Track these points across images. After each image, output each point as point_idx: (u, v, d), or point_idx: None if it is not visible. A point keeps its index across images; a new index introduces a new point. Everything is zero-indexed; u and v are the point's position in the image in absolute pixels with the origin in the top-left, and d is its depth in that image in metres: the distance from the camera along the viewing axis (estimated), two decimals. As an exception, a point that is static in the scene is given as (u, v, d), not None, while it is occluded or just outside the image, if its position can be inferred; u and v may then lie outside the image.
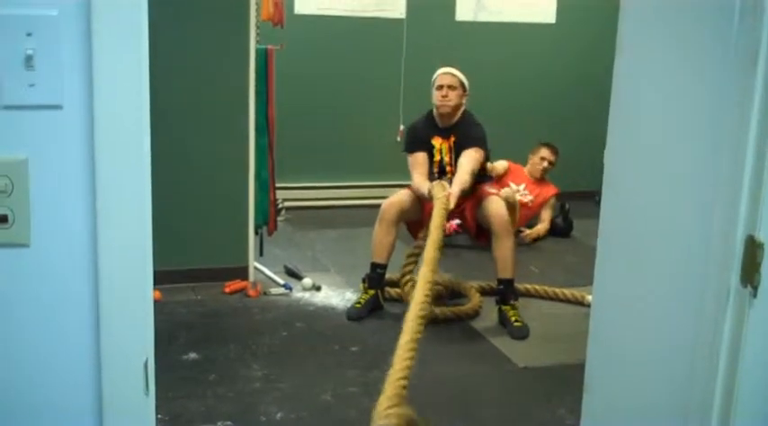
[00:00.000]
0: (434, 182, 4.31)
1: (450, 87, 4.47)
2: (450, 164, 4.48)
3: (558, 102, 7.01)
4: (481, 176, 4.55)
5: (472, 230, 4.75)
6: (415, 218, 4.56)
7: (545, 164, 6.21)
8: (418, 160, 4.50)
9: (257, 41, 4.63)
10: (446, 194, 4.12)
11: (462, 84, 4.52)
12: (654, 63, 1.86)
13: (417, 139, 4.56)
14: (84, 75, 1.28)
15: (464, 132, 4.49)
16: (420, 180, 4.42)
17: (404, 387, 2.69)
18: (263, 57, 4.67)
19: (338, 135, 6.61)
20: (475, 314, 4.43)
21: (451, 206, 4.13)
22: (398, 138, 6.55)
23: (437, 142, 4.50)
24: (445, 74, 4.52)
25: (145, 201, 1.37)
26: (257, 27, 4.64)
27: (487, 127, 4.57)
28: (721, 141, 1.59)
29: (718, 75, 1.61)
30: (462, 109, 4.55)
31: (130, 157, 1.33)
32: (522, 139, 6.78)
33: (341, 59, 6.51)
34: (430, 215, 4.08)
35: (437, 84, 4.51)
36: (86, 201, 1.32)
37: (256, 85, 4.61)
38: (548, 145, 6.29)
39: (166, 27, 4.13)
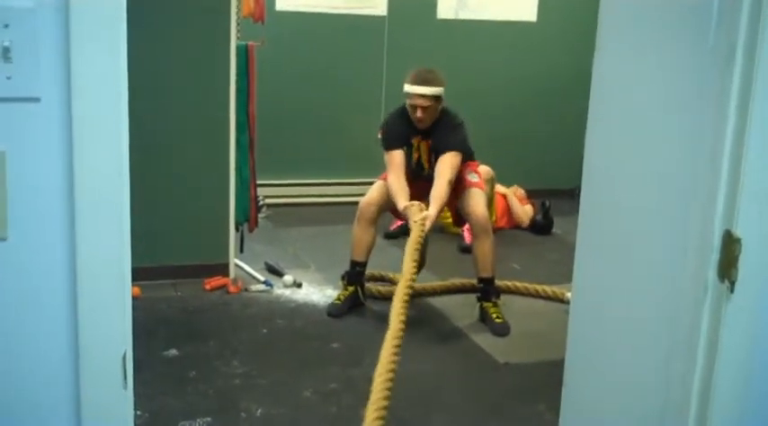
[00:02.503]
0: (411, 204, 4.17)
1: (424, 108, 4.29)
2: (429, 162, 4.44)
3: (540, 99, 7.04)
4: (463, 158, 4.39)
5: (452, 217, 4.75)
6: (395, 207, 4.53)
7: None
8: (395, 159, 4.35)
9: (238, 38, 4.62)
10: (423, 217, 4.04)
11: (436, 97, 4.31)
12: (633, 61, 1.88)
13: (395, 136, 4.42)
14: (62, 68, 1.27)
15: (441, 135, 4.36)
16: (396, 185, 4.27)
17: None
18: (244, 53, 4.64)
19: (319, 132, 6.60)
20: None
21: (427, 228, 4.05)
22: (379, 136, 6.55)
23: (416, 141, 4.44)
24: (416, 95, 4.27)
25: (123, 195, 1.37)
26: (238, 23, 4.62)
27: (467, 125, 4.45)
28: (699, 138, 1.61)
29: (696, 73, 1.63)
30: (438, 112, 4.38)
31: (109, 151, 1.33)
32: (503, 137, 6.81)
33: (322, 56, 6.50)
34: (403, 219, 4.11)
35: (409, 101, 4.33)
36: (64, 195, 1.31)
37: (237, 82, 4.59)
38: None
39: (146, 22, 4.11)
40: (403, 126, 4.44)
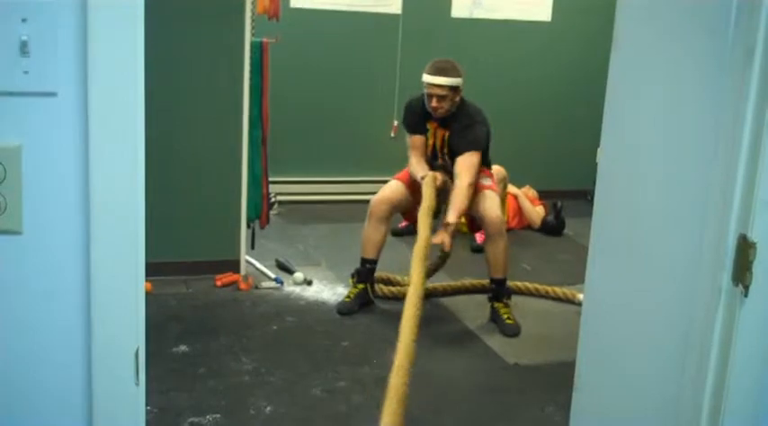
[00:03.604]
0: (428, 174, 4.26)
1: (440, 97, 4.30)
2: (443, 153, 4.44)
3: (553, 99, 7.02)
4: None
5: (467, 224, 4.74)
6: (407, 209, 4.53)
7: None
8: (416, 143, 4.48)
9: (252, 34, 4.62)
10: (440, 239, 4.07)
11: (453, 88, 4.31)
12: (649, 61, 1.87)
13: (413, 121, 4.49)
14: (80, 63, 1.27)
15: (459, 130, 4.35)
16: (416, 163, 4.41)
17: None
18: (258, 50, 4.65)
19: (332, 129, 6.60)
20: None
21: (447, 247, 4.12)
22: (392, 134, 6.55)
23: (432, 126, 4.44)
24: (433, 85, 4.30)
25: (138, 191, 1.37)
26: (252, 20, 4.62)
27: (489, 124, 4.45)
28: (715, 140, 1.60)
29: (714, 74, 1.62)
30: (456, 104, 4.37)
31: (124, 146, 1.33)
32: (516, 137, 6.80)
33: (336, 54, 6.50)
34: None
35: (426, 91, 4.35)
36: (79, 190, 1.31)
37: (251, 78, 4.60)
38: None
39: (162, 19, 4.11)
40: (419, 111, 4.47)
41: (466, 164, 4.25)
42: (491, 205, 4.32)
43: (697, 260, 1.65)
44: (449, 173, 4.34)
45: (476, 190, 4.35)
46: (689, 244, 1.69)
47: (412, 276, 3.54)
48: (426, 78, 4.34)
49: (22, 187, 1.29)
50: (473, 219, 4.54)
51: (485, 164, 4.49)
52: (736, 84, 1.53)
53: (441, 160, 4.45)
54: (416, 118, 4.48)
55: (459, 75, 4.34)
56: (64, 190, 1.31)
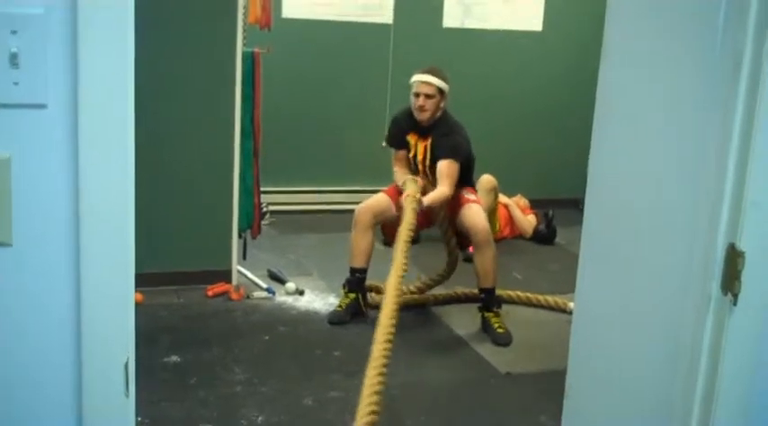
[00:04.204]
0: (408, 178, 4.36)
1: (427, 96, 4.36)
2: (424, 164, 4.47)
3: (544, 109, 7.04)
4: (461, 181, 4.46)
5: (458, 242, 4.76)
6: (389, 221, 4.53)
7: None
8: (399, 156, 4.60)
9: (244, 44, 4.63)
10: (412, 194, 4.16)
11: (440, 90, 4.39)
12: (638, 71, 1.88)
13: (395, 135, 4.61)
14: (70, 75, 1.28)
15: (439, 139, 4.41)
16: (399, 173, 4.53)
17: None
18: (250, 60, 4.65)
19: (324, 139, 6.61)
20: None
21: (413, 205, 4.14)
22: (384, 144, 6.54)
23: (413, 139, 4.50)
24: (422, 82, 4.38)
25: (128, 203, 1.37)
26: (244, 30, 4.63)
27: (471, 134, 4.50)
28: (704, 150, 1.60)
29: (702, 83, 1.63)
30: (440, 112, 4.44)
31: (115, 158, 1.33)
32: (507, 146, 6.81)
33: (328, 64, 6.51)
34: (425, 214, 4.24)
35: (414, 90, 4.42)
36: (69, 202, 1.31)
37: (243, 89, 4.60)
38: None
39: (153, 29, 4.12)
40: (402, 125, 4.56)
41: (446, 171, 4.34)
42: (476, 216, 4.37)
43: (686, 269, 1.65)
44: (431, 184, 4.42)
45: (460, 203, 4.41)
46: (678, 252, 1.70)
47: (384, 308, 3.37)
48: (416, 77, 4.45)
49: (12, 198, 1.29)
50: (461, 235, 4.54)
51: (468, 183, 4.57)
52: (724, 90, 1.54)
53: (422, 174, 4.49)
54: (399, 131, 4.57)
55: (446, 81, 4.44)
56: (54, 202, 1.31)
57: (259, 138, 4.79)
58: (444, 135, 4.41)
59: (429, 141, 4.45)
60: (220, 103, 4.56)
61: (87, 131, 1.29)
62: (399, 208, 4.21)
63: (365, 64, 6.60)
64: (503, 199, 6.07)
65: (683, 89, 1.73)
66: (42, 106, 1.28)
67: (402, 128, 4.55)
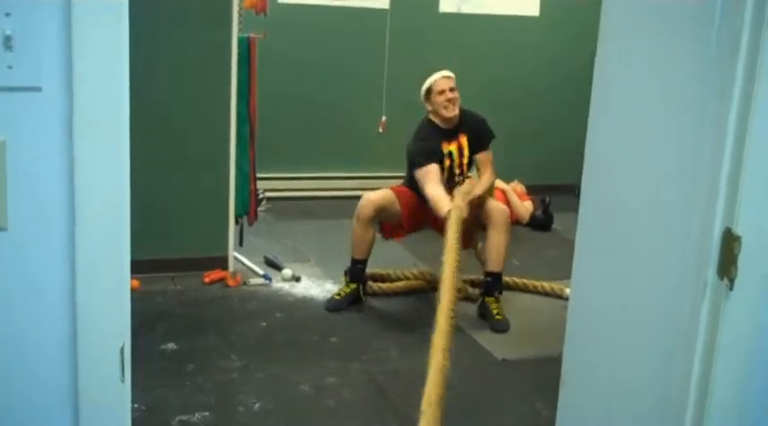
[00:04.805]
0: (454, 208, 4.00)
1: (452, 89, 4.41)
2: (461, 167, 4.47)
3: (541, 94, 7.03)
4: None
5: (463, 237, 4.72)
6: (390, 221, 4.49)
7: None
8: (431, 171, 4.26)
9: (239, 30, 4.61)
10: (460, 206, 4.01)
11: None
12: (635, 56, 1.87)
13: (427, 151, 4.35)
14: (64, 58, 1.27)
15: (475, 131, 4.51)
16: (437, 193, 4.16)
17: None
18: (246, 45, 4.63)
19: (320, 125, 6.59)
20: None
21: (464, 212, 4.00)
22: (380, 130, 6.54)
23: (446, 148, 4.43)
24: (444, 78, 4.43)
25: (124, 187, 1.36)
26: (240, 15, 4.61)
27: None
28: (700, 136, 1.60)
29: (699, 70, 1.62)
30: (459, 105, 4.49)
31: (110, 141, 1.32)
32: (504, 132, 6.79)
33: (324, 49, 6.49)
34: (436, 222, 4.18)
35: (438, 89, 4.38)
36: (64, 185, 1.31)
37: (238, 74, 4.58)
38: None
39: (148, 14, 4.10)
40: (432, 138, 4.42)
41: (486, 160, 4.57)
42: (495, 202, 4.53)
43: (683, 253, 1.65)
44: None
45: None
46: (675, 237, 1.70)
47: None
48: (434, 77, 4.46)
49: (7, 182, 1.28)
50: (468, 235, 4.46)
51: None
52: (721, 76, 1.54)
53: (459, 172, 4.47)
54: (434, 142, 4.40)
55: None
56: (49, 186, 1.30)
57: (255, 125, 4.77)
58: (478, 128, 4.54)
59: (463, 138, 4.47)
60: (216, 89, 4.54)
61: (82, 114, 1.29)
62: (437, 219, 4.11)
63: (361, 49, 6.58)
64: (500, 184, 6.07)
65: (679, 76, 1.72)
66: (37, 89, 1.27)
67: (436, 138, 4.41)
